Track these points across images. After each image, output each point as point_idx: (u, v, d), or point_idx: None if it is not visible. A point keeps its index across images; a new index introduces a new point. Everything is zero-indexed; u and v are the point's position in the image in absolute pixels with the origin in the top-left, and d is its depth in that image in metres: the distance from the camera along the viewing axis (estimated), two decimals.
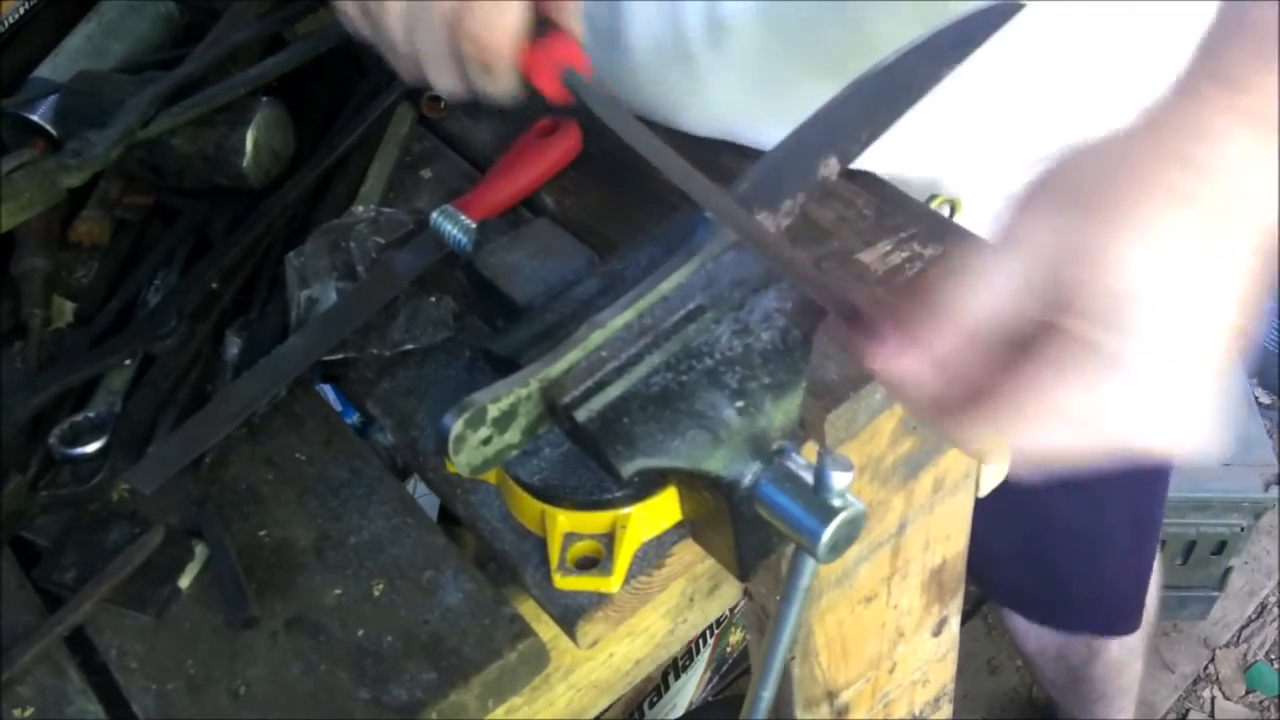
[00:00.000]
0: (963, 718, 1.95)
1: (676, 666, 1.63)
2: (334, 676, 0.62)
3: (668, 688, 1.64)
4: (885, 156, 0.77)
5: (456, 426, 0.53)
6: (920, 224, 0.76)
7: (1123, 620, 1.44)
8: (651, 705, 1.62)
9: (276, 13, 0.93)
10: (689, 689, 1.67)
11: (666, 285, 0.59)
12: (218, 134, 0.82)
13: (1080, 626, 1.46)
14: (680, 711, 1.66)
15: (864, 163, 0.79)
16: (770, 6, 0.76)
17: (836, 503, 0.53)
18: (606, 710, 1.51)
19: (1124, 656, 1.56)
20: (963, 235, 0.76)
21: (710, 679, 1.72)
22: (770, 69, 0.79)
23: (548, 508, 0.64)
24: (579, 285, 0.63)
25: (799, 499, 0.54)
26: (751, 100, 0.81)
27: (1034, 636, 1.54)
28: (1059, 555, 1.30)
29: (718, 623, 1.65)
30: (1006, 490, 1.11)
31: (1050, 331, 0.48)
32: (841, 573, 0.80)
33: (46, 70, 0.91)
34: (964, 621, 2.03)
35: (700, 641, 1.65)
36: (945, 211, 0.84)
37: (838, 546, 0.54)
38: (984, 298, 0.49)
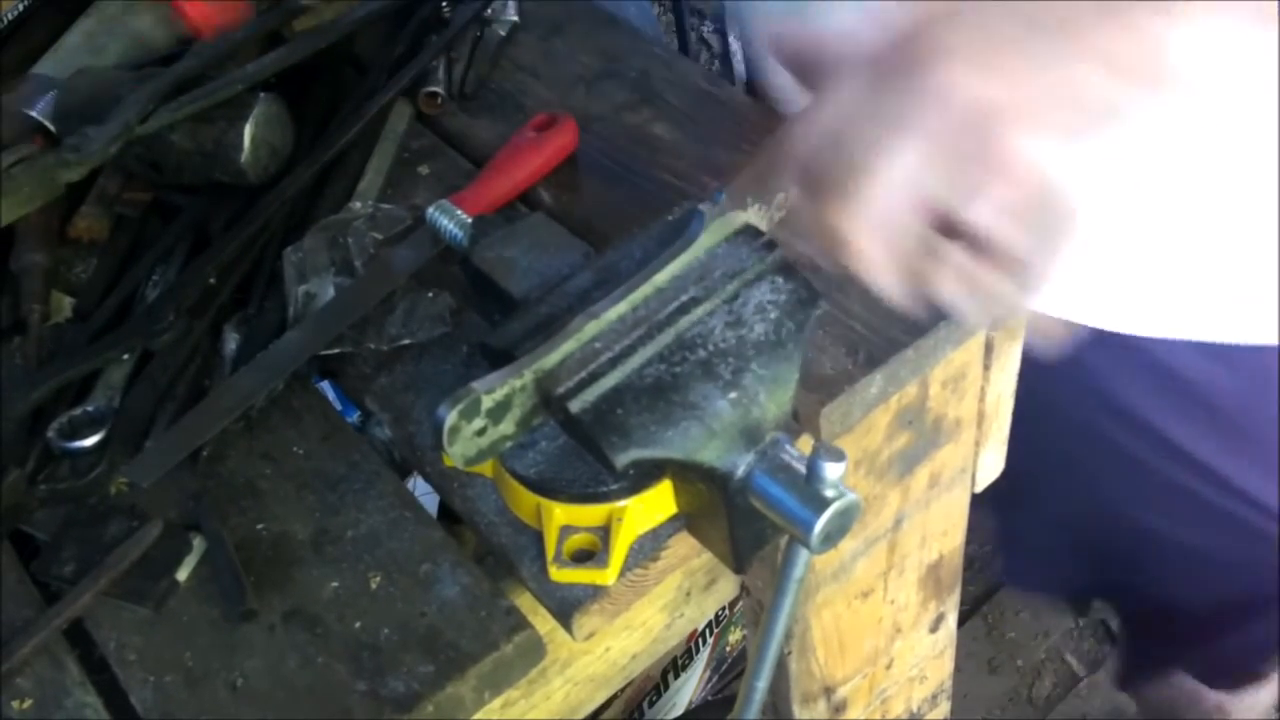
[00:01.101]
0: (962, 718, 1.94)
1: (676, 665, 1.63)
2: (331, 669, 0.62)
3: (667, 687, 1.64)
4: None
5: (451, 417, 0.53)
6: None
7: (1241, 672, 1.32)
8: (651, 704, 1.62)
9: (275, 10, 0.93)
10: (689, 688, 1.67)
11: (660, 277, 0.59)
12: (216, 130, 0.82)
13: (1199, 674, 1.35)
14: (680, 710, 1.66)
15: None
16: None
17: (829, 493, 0.54)
18: (606, 708, 1.52)
19: None
20: None
21: (710, 678, 1.72)
22: None
23: (544, 500, 0.64)
24: (574, 279, 0.63)
25: (792, 489, 0.54)
26: None
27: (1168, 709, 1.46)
28: (1168, 578, 1.21)
29: (717, 621, 1.66)
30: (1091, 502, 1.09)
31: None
32: (838, 567, 0.80)
33: (46, 66, 0.91)
34: (964, 621, 2.03)
35: (700, 640, 1.65)
36: None
37: (831, 537, 0.54)
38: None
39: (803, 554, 0.56)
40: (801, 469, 0.55)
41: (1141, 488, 1.04)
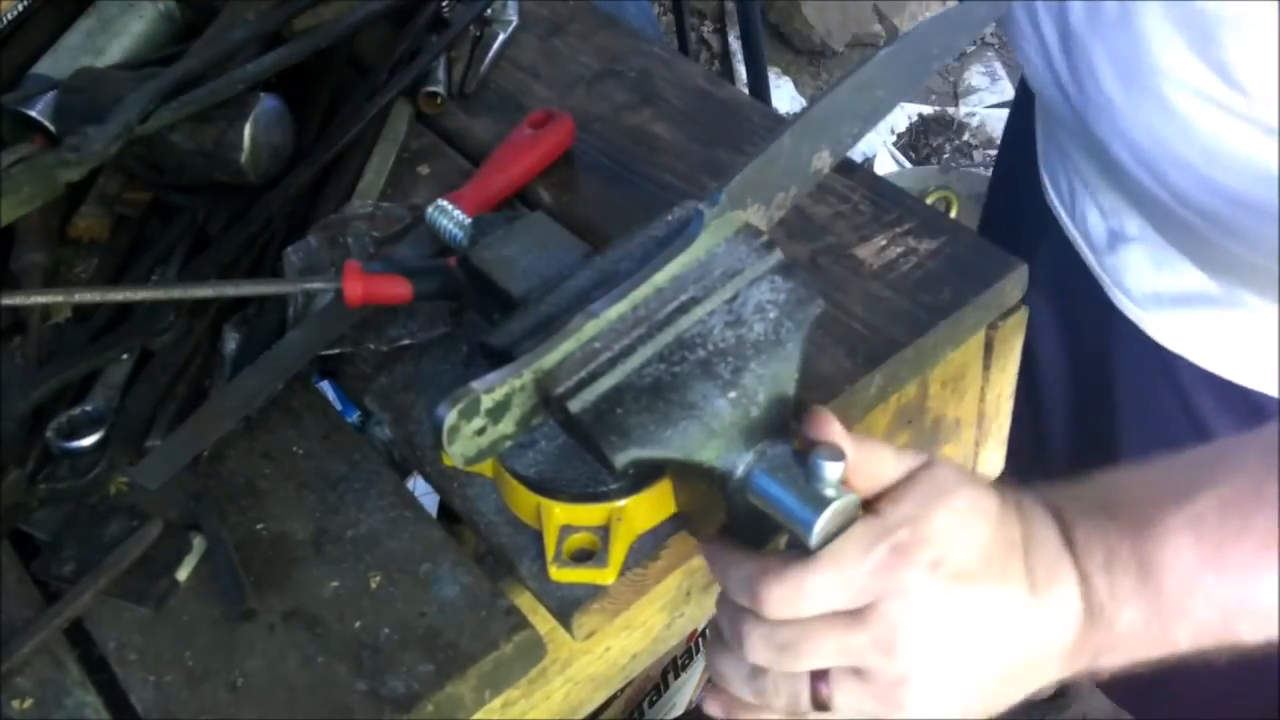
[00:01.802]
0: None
1: (676, 665, 1.63)
2: (331, 669, 0.62)
3: (667, 686, 1.63)
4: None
5: (450, 416, 0.53)
6: (916, 218, 0.77)
7: None
8: (651, 704, 1.62)
9: (275, 10, 0.93)
10: (689, 688, 1.67)
11: (660, 277, 0.59)
12: (216, 130, 0.82)
13: None
14: (680, 710, 1.66)
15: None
16: None
17: (830, 493, 0.53)
18: (606, 708, 1.52)
19: None
20: (958, 230, 0.76)
21: (710, 678, 1.72)
22: None
23: (543, 500, 0.64)
24: (573, 278, 0.63)
25: (791, 488, 0.54)
26: None
27: None
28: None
29: None
30: None
31: None
32: None
33: (45, 67, 0.91)
34: None
35: (700, 640, 1.65)
36: (941, 207, 0.85)
37: (831, 536, 0.54)
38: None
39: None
40: (801, 468, 0.55)
41: None
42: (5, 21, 0.95)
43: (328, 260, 0.78)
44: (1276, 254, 0.70)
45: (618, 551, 0.63)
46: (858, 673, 0.55)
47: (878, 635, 0.54)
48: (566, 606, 0.63)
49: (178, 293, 0.77)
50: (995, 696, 0.57)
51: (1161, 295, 0.87)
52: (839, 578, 0.53)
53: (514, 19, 0.97)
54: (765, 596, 0.54)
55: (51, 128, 0.84)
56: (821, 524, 0.53)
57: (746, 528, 0.59)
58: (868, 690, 0.55)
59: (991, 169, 1.26)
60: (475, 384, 0.54)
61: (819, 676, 0.56)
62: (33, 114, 0.85)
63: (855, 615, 0.54)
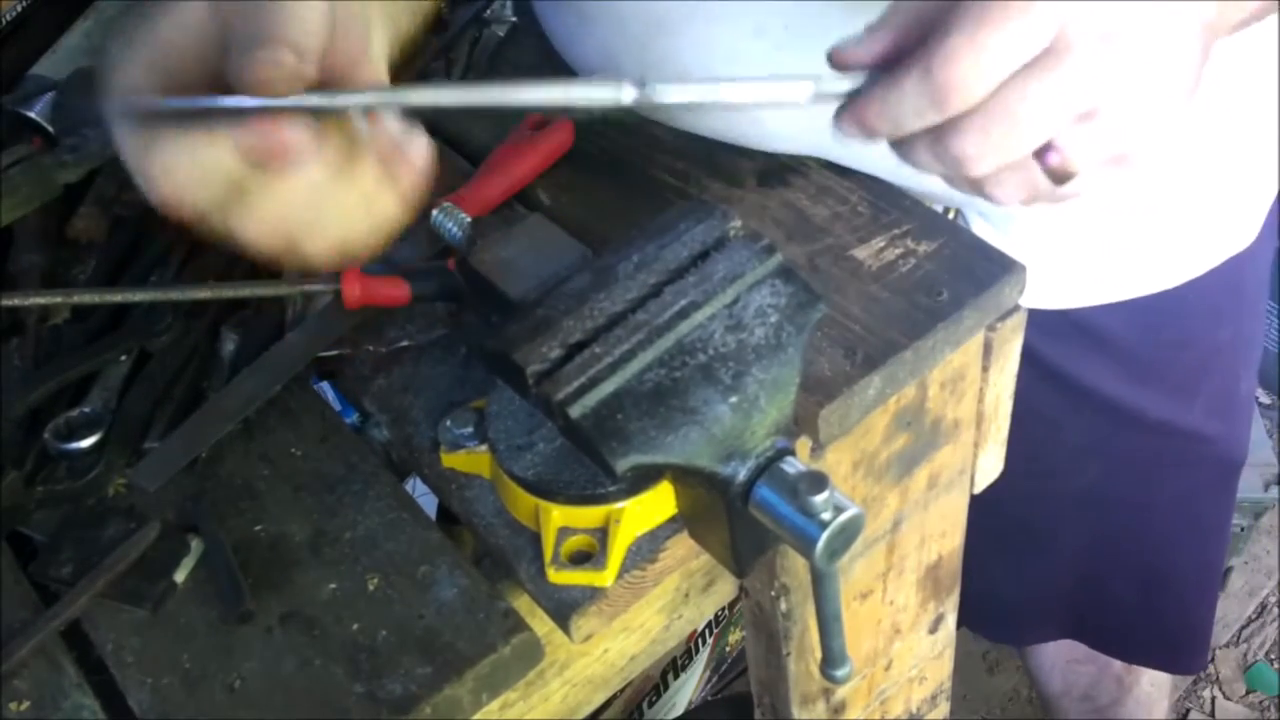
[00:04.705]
0: (961, 717, 1.94)
1: (676, 666, 1.64)
2: (329, 671, 0.62)
3: (667, 687, 1.64)
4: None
5: None
6: (915, 220, 0.77)
7: (1189, 656, 1.32)
8: (651, 705, 1.62)
9: None
10: (688, 688, 1.67)
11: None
12: None
13: (1143, 658, 1.36)
14: (680, 711, 1.66)
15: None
16: None
17: (826, 516, 0.53)
18: (605, 708, 1.52)
19: (1154, 693, 1.49)
20: (957, 231, 0.76)
21: (709, 678, 1.72)
22: None
23: (541, 502, 0.64)
24: (571, 280, 0.63)
25: (794, 503, 0.54)
26: None
27: (1060, 677, 1.49)
28: (1121, 580, 1.23)
29: (716, 621, 1.66)
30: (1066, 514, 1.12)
31: None
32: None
33: (44, 68, 0.91)
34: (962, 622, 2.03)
35: (699, 640, 1.65)
36: (939, 208, 0.84)
37: (836, 551, 0.54)
38: None
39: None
40: (801, 482, 0.55)
41: (1065, 448, 1.09)
42: (5, 22, 0.94)
43: None
44: None
45: (616, 554, 0.63)
46: (1083, 116, 0.49)
47: (1081, 55, 0.47)
48: (564, 609, 0.63)
49: (176, 294, 0.76)
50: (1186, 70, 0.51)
51: None
52: (1017, 19, 0.47)
53: (513, 19, 0.97)
54: (949, 84, 0.47)
55: (50, 129, 0.84)
56: (823, 543, 0.54)
57: (747, 532, 0.59)
58: (1100, 126, 0.49)
59: None
60: None
61: (1044, 151, 0.50)
62: (31, 115, 0.85)
63: (1049, 52, 0.48)
